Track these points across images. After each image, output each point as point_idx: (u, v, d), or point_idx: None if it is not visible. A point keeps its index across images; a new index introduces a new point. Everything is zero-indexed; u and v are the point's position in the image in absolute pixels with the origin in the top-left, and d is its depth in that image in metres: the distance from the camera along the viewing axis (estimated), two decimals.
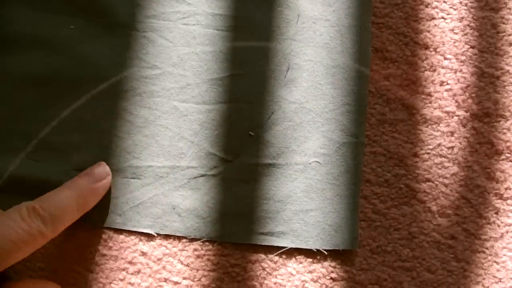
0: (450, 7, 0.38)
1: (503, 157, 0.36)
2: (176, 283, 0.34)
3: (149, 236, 0.35)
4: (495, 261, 0.35)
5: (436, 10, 0.38)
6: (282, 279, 0.34)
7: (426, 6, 0.38)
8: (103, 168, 0.35)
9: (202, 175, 0.35)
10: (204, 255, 0.35)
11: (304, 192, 0.35)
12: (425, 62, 0.37)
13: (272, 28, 0.37)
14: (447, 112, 0.37)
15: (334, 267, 0.34)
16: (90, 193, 0.33)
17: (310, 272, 0.34)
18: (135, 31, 0.37)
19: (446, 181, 0.36)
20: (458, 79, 0.37)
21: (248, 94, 0.36)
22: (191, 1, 0.38)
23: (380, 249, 0.35)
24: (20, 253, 0.29)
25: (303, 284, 0.34)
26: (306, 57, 0.37)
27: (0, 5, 0.38)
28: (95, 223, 0.35)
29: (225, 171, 0.35)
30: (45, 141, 0.36)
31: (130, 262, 0.35)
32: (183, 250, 0.35)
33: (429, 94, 0.37)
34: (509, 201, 0.36)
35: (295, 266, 0.34)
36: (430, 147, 0.36)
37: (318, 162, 0.35)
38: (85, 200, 0.33)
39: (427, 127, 0.36)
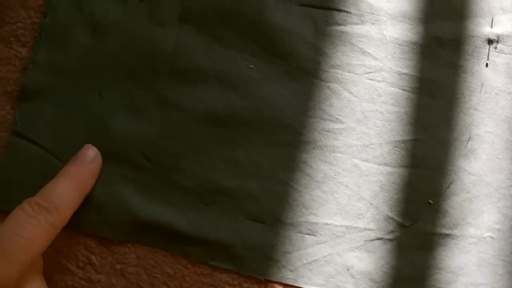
0: None
1: None
2: None
3: None
4: None
5: None
6: None
7: None
8: (91, 150, 0.35)
9: (379, 238, 0.35)
10: None
11: (476, 265, 0.35)
12: None
13: (456, 95, 0.37)
14: None
15: None
16: (86, 174, 0.34)
17: None
18: (319, 80, 0.36)
19: None
20: None
21: (430, 160, 0.36)
22: (378, 56, 0.36)
23: None
24: (37, 247, 0.30)
25: None
26: (487, 128, 0.36)
27: (180, 35, 0.36)
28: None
29: (401, 237, 0.35)
30: (217, 184, 0.35)
31: None
32: None
33: None
34: None
35: None
36: None
37: (492, 237, 0.36)
38: (82, 183, 0.33)
39: None
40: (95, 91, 0.36)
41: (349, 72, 0.36)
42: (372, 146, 0.36)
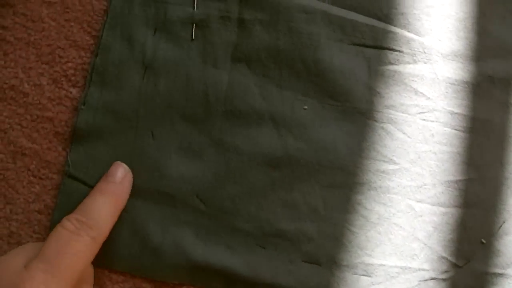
0: None
1: None
2: None
3: None
4: None
5: None
6: None
7: None
8: (122, 167, 0.35)
9: (433, 279, 0.35)
10: None
11: None
12: None
13: (508, 134, 0.37)
14: None
15: None
16: (120, 191, 0.34)
17: None
18: (373, 121, 0.36)
19: None
20: None
21: (482, 200, 0.36)
22: (431, 95, 0.37)
23: None
24: (83, 262, 0.31)
25: None
26: None
27: (233, 75, 0.36)
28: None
29: (455, 276, 0.35)
30: (274, 227, 0.35)
31: None
32: None
33: None
34: None
35: None
36: None
37: None
38: (117, 199, 0.34)
39: None
40: (147, 132, 0.36)
41: (403, 113, 0.36)
42: (425, 186, 0.36)
